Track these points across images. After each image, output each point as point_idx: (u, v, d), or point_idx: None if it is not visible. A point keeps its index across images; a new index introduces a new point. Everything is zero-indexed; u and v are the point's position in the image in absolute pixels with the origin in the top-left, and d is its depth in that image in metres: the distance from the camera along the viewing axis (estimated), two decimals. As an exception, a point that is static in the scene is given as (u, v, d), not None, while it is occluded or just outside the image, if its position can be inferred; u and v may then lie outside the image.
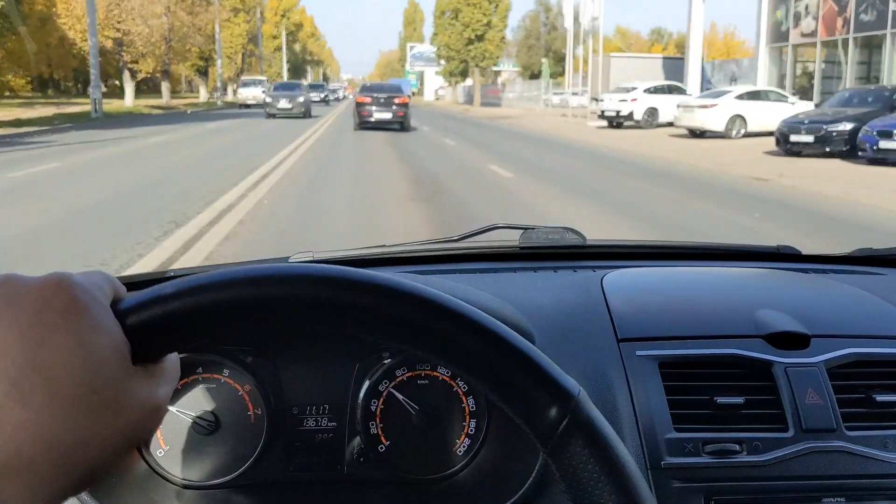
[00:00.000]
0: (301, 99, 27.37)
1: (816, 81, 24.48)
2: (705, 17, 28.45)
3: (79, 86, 54.16)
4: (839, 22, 23.17)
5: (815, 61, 24.98)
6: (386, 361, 0.85)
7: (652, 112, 23.44)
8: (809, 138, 13.97)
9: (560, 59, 65.80)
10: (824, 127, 13.86)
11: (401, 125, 21.00)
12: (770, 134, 18.57)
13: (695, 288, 1.04)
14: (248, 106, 37.42)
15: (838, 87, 22.06)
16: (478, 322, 0.41)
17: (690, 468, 0.76)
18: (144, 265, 4.99)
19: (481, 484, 0.83)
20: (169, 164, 11.79)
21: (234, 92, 43.32)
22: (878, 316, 0.92)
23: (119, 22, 33.32)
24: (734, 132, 18.77)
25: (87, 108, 25.32)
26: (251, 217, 7.13)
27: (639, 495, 0.40)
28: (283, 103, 27.04)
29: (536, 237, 1.16)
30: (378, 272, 0.43)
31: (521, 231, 1.17)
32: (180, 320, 0.40)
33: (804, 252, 1.24)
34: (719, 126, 18.66)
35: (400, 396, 0.84)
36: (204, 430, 0.83)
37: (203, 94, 49.63)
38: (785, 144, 14.41)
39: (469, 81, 56.05)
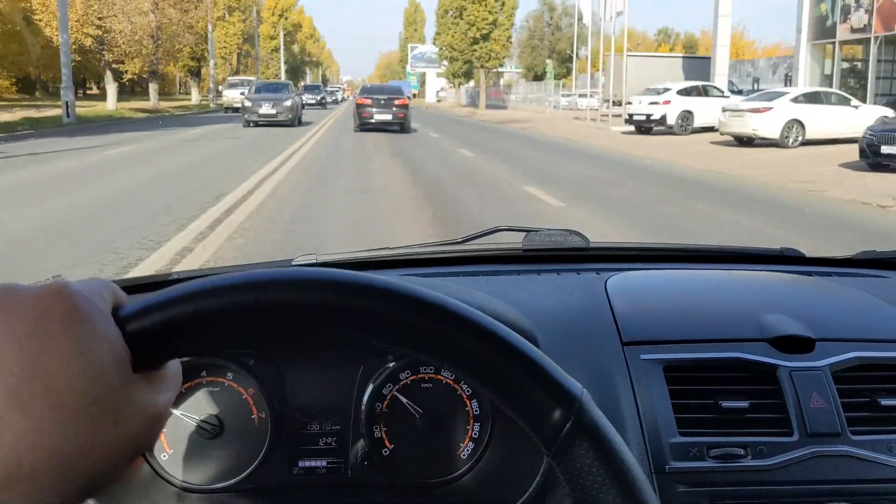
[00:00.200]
0: (288, 103, 22.69)
1: (870, 82, 21.86)
2: (715, 14, 25.91)
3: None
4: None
5: (866, 59, 22.42)
6: (390, 365, 0.85)
7: (686, 116, 20.95)
8: (906, 150, 11.44)
9: (564, 60, 63.86)
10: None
11: (401, 126, 21.06)
12: (831, 142, 16.16)
13: (699, 291, 1.05)
14: (235, 109, 31.02)
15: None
16: (480, 325, 0.41)
17: (695, 472, 0.76)
18: None
19: (485, 487, 0.84)
20: (107, 192, 9.21)
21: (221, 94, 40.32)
22: (882, 319, 0.93)
23: (100, 18, 30.73)
24: (791, 140, 16.31)
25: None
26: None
27: (643, 499, 0.40)
28: (266, 108, 22.32)
29: (540, 239, 1.17)
30: (380, 275, 0.42)
31: (525, 233, 1.19)
32: (181, 326, 0.39)
33: (808, 255, 1.24)
34: (774, 133, 16.20)
35: (404, 400, 0.84)
36: (208, 434, 0.82)
37: (195, 97, 47.03)
38: (873, 157, 11.82)
39: (471, 83, 53.65)
